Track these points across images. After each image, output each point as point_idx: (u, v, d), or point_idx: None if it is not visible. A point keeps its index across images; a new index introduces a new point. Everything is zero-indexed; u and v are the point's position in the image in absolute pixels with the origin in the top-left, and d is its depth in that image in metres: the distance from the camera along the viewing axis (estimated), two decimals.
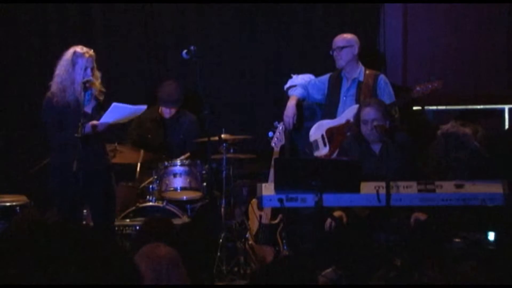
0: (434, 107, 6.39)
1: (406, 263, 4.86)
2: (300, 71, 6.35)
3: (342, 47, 5.79)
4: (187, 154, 6.04)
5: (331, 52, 5.84)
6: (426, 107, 6.41)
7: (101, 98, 4.98)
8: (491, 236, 4.95)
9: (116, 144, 5.68)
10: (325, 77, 5.99)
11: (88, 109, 4.92)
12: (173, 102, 6.25)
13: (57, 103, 4.82)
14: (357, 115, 5.17)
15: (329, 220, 4.92)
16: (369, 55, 6.01)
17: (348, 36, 5.85)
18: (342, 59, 5.80)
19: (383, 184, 4.50)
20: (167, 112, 6.30)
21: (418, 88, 5.51)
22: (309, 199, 4.56)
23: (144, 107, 4.97)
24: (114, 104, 4.74)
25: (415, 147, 5.23)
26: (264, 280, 2.36)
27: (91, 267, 1.45)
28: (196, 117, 6.36)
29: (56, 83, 4.87)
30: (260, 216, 5.75)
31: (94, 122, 4.77)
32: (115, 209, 5.22)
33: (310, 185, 4.36)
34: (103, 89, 4.99)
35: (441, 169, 5.24)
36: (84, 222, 5.33)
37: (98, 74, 4.95)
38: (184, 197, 5.93)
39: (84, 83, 4.79)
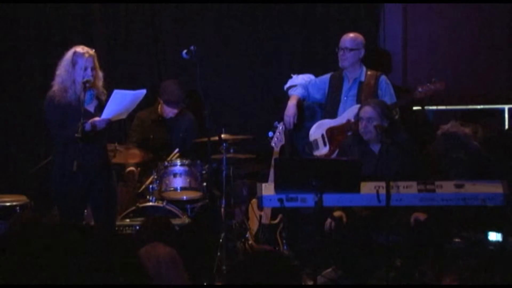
0: (434, 107, 6.39)
1: (406, 263, 4.86)
2: (300, 71, 6.35)
3: (350, 49, 5.77)
4: (176, 152, 6.02)
5: (337, 50, 5.82)
6: (426, 107, 6.41)
7: (103, 98, 4.98)
8: (492, 236, 4.95)
9: (116, 144, 5.68)
10: (326, 76, 5.98)
11: (90, 108, 4.92)
12: (178, 102, 6.24)
13: (59, 102, 4.82)
14: (357, 114, 5.20)
15: (329, 220, 4.92)
16: (369, 55, 6.00)
17: (358, 38, 5.81)
18: (347, 60, 5.78)
19: (383, 184, 4.50)
20: (170, 112, 6.28)
21: (420, 89, 5.50)
22: (309, 199, 4.56)
23: (144, 91, 4.93)
24: (115, 91, 4.74)
25: (415, 147, 5.24)
26: (238, 278, 2.31)
27: (100, 268, 1.45)
28: (195, 116, 6.36)
29: (58, 83, 4.88)
30: (260, 216, 5.75)
31: (93, 119, 4.77)
32: (116, 209, 5.22)
33: (310, 185, 4.35)
34: (105, 91, 5.00)
35: (441, 169, 5.24)
36: (84, 222, 5.33)
37: (100, 74, 4.95)
38: (184, 197, 5.93)
39: (84, 83, 4.79)
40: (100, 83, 4.95)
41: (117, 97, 4.74)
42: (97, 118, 4.78)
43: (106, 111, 4.77)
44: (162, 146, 6.24)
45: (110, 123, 4.83)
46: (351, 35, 5.84)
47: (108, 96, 4.89)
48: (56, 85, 4.88)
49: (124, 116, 4.99)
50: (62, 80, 4.85)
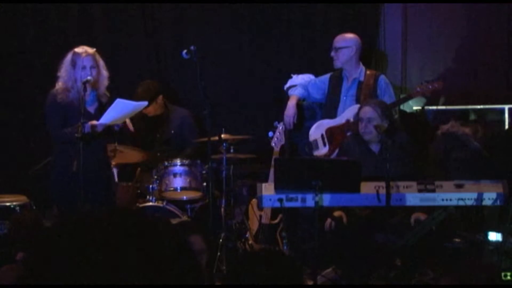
0: (434, 107, 6.39)
1: (406, 263, 4.86)
2: (300, 71, 6.35)
3: (339, 48, 5.77)
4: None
5: (330, 51, 5.83)
6: (426, 107, 6.40)
7: (104, 100, 5.01)
8: (492, 236, 4.95)
9: (116, 144, 5.68)
10: (326, 76, 5.99)
11: (91, 109, 4.95)
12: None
13: (61, 100, 4.87)
14: (357, 114, 5.20)
15: (329, 220, 4.92)
16: (369, 55, 6.00)
17: (348, 36, 5.82)
18: (338, 60, 5.79)
19: (383, 184, 4.50)
20: (147, 111, 6.24)
21: (418, 89, 5.51)
22: (309, 199, 4.56)
23: (145, 103, 5.01)
24: (117, 100, 4.77)
25: (415, 147, 5.23)
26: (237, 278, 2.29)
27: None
28: (195, 115, 6.33)
29: (60, 83, 4.92)
30: (260, 216, 5.76)
31: (94, 122, 4.79)
32: None
33: (310, 185, 4.36)
34: (107, 93, 5.03)
35: (441, 169, 5.25)
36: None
37: (105, 73, 4.97)
38: (184, 197, 5.93)
39: (84, 83, 4.80)
40: (105, 82, 4.99)
41: (119, 106, 4.78)
42: (95, 122, 4.81)
43: (105, 117, 4.81)
44: (148, 144, 6.22)
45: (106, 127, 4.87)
46: (342, 34, 5.85)
47: (110, 99, 4.92)
48: (58, 86, 4.93)
49: (120, 122, 5.02)
50: (64, 80, 4.91)
